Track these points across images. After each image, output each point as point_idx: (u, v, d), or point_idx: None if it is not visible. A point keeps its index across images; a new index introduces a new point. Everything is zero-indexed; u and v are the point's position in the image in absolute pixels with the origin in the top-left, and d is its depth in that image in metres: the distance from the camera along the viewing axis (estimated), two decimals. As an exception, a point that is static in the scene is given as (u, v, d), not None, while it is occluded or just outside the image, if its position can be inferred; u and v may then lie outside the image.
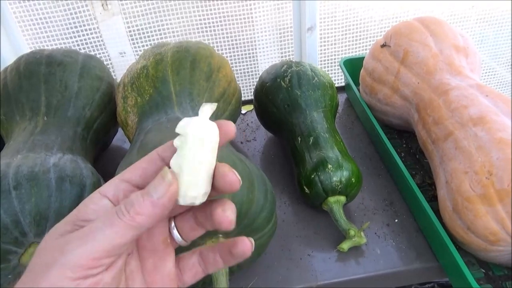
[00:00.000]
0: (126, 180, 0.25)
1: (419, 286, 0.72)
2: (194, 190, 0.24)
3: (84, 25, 0.70)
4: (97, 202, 0.24)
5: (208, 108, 0.25)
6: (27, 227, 0.37)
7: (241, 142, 0.68)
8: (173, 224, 0.27)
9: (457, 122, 0.45)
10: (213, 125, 0.25)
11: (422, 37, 0.54)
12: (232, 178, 0.25)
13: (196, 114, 0.52)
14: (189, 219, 0.27)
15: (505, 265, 0.43)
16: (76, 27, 0.70)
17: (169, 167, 0.24)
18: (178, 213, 0.27)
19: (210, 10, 0.75)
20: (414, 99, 0.53)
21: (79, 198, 0.40)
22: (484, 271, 0.44)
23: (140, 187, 0.25)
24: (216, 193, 0.25)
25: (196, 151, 0.24)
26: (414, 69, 0.54)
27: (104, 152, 0.66)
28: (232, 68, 0.62)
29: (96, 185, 0.43)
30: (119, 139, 0.71)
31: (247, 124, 0.72)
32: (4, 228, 0.37)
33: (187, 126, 0.24)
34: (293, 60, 0.63)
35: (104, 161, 0.65)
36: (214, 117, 0.56)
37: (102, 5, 0.68)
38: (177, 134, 0.25)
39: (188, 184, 0.24)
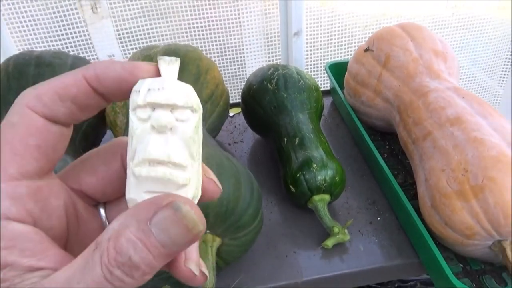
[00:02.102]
0: (18, 176, 0.16)
1: (402, 284, 0.73)
2: (192, 189, 0.17)
3: (73, 28, 0.71)
4: (3, 233, 0.15)
5: (168, 66, 0.17)
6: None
7: (229, 144, 0.69)
8: (102, 212, 0.20)
9: (435, 122, 0.47)
10: (188, 85, 0.17)
11: (403, 42, 0.56)
12: (214, 191, 0.19)
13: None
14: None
15: (481, 260, 0.45)
16: (65, 29, 0.71)
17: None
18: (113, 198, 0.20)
19: (199, 14, 0.76)
20: (395, 101, 0.55)
21: (68, 196, 0.41)
22: (462, 265, 0.46)
23: (42, 173, 0.17)
24: None
25: (188, 132, 0.16)
26: (395, 72, 0.56)
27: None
28: (220, 72, 0.64)
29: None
30: (107, 140, 0.71)
31: (235, 126, 0.73)
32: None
33: (162, 91, 0.16)
34: (280, 64, 0.65)
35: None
36: (202, 119, 0.58)
37: (92, 8, 0.69)
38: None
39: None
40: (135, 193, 0.16)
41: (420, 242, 0.46)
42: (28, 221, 0.16)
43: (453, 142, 0.43)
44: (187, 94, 0.17)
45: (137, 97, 0.16)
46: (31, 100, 0.16)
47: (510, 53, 0.91)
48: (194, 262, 0.18)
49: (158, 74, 0.17)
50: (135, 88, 0.17)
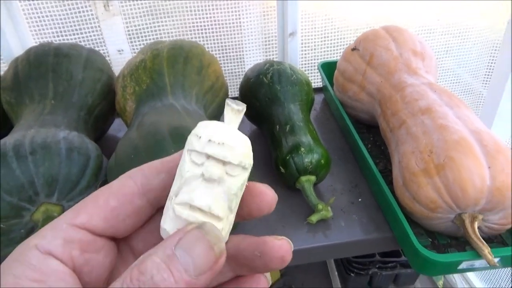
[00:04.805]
0: (82, 225, 0.17)
1: (382, 265, 0.79)
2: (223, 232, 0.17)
3: (86, 24, 0.77)
4: (38, 264, 0.15)
5: (234, 115, 0.18)
6: (40, 188, 0.44)
7: (227, 133, 0.75)
8: None
9: (409, 112, 0.53)
10: (247, 140, 0.18)
11: (385, 42, 0.63)
12: (272, 195, 0.19)
13: (188, 101, 0.60)
14: None
15: (446, 233, 0.50)
16: (79, 25, 0.77)
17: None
18: None
19: (202, 14, 0.82)
20: (377, 95, 0.61)
21: (84, 167, 0.47)
22: (430, 240, 0.51)
23: (105, 234, 0.18)
24: (238, 219, 0.20)
25: (234, 188, 0.17)
26: (378, 69, 0.62)
27: (100, 140, 0.73)
28: (222, 70, 0.70)
29: (100, 158, 0.50)
30: (114, 129, 0.78)
31: (233, 118, 0.79)
32: (21, 187, 0.43)
33: (221, 146, 0.17)
34: (275, 60, 0.71)
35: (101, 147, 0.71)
36: (203, 108, 0.64)
37: (104, 6, 0.76)
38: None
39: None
40: (170, 225, 0.17)
41: (394, 219, 0.52)
42: (69, 265, 0.16)
43: (423, 129, 0.49)
44: (243, 153, 0.17)
45: (196, 142, 0.17)
46: (134, 172, 0.19)
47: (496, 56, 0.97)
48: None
49: None
50: (196, 131, 0.18)
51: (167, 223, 0.17)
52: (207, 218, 0.17)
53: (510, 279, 1.03)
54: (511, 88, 0.83)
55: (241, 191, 0.18)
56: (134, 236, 0.20)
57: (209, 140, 0.17)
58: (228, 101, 0.18)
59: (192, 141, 0.17)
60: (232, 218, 0.18)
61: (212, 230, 0.16)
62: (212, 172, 0.17)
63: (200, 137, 0.17)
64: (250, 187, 0.19)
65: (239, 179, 0.17)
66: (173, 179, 0.18)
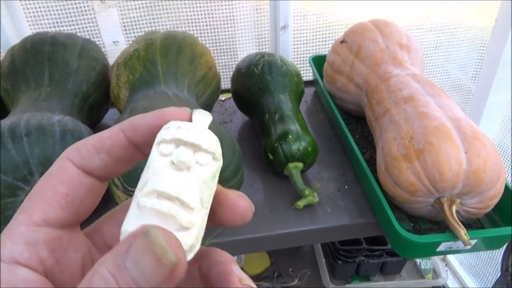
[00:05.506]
0: (42, 222, 0.16)
1: (370, 253, 0.81)
2: (192, 236, 0.15)
3: (82, 15, 0.79)
4: (4, 276, 0.14)
5: (202, 116, 0.18)
6: (35, 168, 0.45)
7: (219, 123, 0.76)
8: None
9: (393, 101, 0.54)
10: (216, 139, 0.18)
11: (373, 35, 0.65)
12: (245, 206, 0.18)
13: (180, 90, 0.61)
14: None
15: (427, 218, 0.52)
16: (75, 16, 0.78)
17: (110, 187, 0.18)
18: None
19: (196, 8, 0.84)
20: (364, 86, 0.63)
21: (78, 149, 0.48)
22: (412, 224, 0.53)
23: (68, 223, 0.17)
24: (213, 224, 0.18)
25: (204, 176, 0.16)
26: (365, 61, 0.64)
27: (94, 129, 0.74)
28: (214, 60, 0.71)
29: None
30: (108, 118, 0.79)
31: (225, 109, 0.81)
32: (16, 167, 0.44)
33: (190, 131, 0.17)
34: (266, 52, 0.73)
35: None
36: (195, 97, 0.65)
37: (100, -3, 0.77)
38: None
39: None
40: (132, 225, 0.15)
41: (378, 205, 0.54)
42: (39, 269, 0.15)
43: (405, 116, 0.51)
44: (213, 142, 0.17)
45: (165, 132, 0.17)
46: (72, 152, 0.17)
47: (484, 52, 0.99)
48: (247, 278, 0.17)
49: (186, 118, 0.18)
50: (165, 125, 0.17)
51: (129, 224, 0.15)
52: (177, 206, 0.15)
53: (498, 276, 1.05)
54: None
55: (213, 184, 0.17)
56: (104, 223, 0.19)
57: (179, 127, 0.17)
58: (194, 109, 0.18)
59: (161, 133, 0.17)
60: (204, 217, 0.16)
61: (157, 239, 0.13)
62: (181, 157, 0.16)
63: (169, 127, 0.17)
64: (221, 197, 0.18)
65: (209, 168, 0.17)
66: (114, 161, 0.17)
